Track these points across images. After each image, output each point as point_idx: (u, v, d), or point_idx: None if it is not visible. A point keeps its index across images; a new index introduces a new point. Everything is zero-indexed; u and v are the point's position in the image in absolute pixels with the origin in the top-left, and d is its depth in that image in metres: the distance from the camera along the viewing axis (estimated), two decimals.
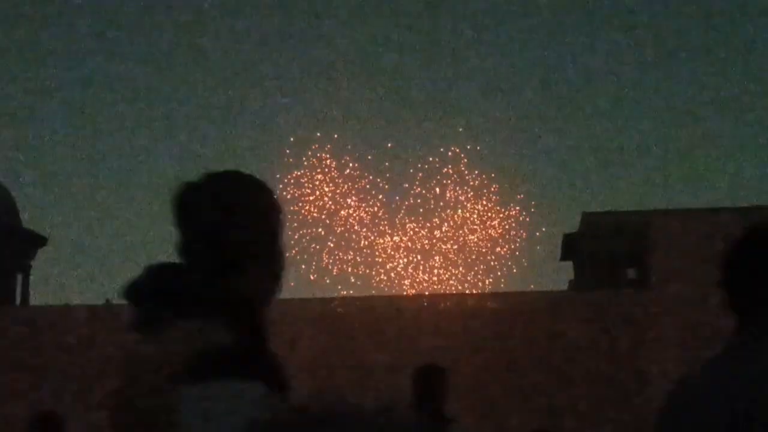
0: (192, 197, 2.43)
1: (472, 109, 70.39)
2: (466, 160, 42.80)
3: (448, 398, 6.57)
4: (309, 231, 41.38)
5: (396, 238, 41.87)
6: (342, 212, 41.90)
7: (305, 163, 41.55)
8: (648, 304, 23.44)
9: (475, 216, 42.38)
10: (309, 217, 41.64)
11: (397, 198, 44.11)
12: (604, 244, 32.96)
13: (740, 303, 2.42)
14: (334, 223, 41.71)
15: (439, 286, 39.34)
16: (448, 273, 41.95)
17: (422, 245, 42.03)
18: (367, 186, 42.46)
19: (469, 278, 42.13)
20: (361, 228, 41.98)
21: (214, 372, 2.26)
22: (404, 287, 37.96)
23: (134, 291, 2.45)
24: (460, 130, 61.15)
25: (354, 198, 42.01)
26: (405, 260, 41.85)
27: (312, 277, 42.87)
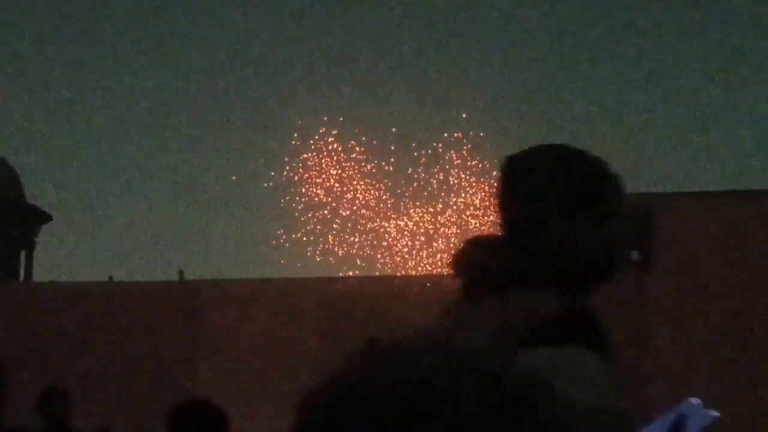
0: (526, 168, 2.45)
1: (476, 94, 70.38)
2: (469, 146, 42.93)
3: None
4: (315, 214, 41.76)
5: (401, 222, 42.21)
6: (348, 195, 42.23)
7: (312, 146, 41.83)
8: (650, 286, 23.47)
9: (478, 199, 42.61)
10: (315, 199, 41.99)
11: (403, 182, 44.20)
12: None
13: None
14: (339, 207, 42.07)
15: (443, 270, 39.38)
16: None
17: (426, 229, 42.33)
18: (373, 170, 42.75)
19: None
20: (367, 211, 42.30)
21: (553, 339, 2.30)
22: (409, 270, 38.13)
23: (463, 263, 2.52)
24: (464, 116, 61.18)
25: (360, 182, 42.33)
26: (410, 244, 42.19)
27: (318, 259, 43.11)
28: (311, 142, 42.37)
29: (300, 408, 0.85)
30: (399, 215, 43.18)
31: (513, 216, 2.45)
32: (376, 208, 42.91)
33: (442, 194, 43.44)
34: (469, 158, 42.87)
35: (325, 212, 42.28)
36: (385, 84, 69.07)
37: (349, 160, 42.49)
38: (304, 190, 42.10)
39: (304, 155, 42.26)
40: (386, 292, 24.16)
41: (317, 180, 41.91)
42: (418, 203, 43.74)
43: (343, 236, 42.12)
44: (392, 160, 44.63)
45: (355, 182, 42.56)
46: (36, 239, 38.23)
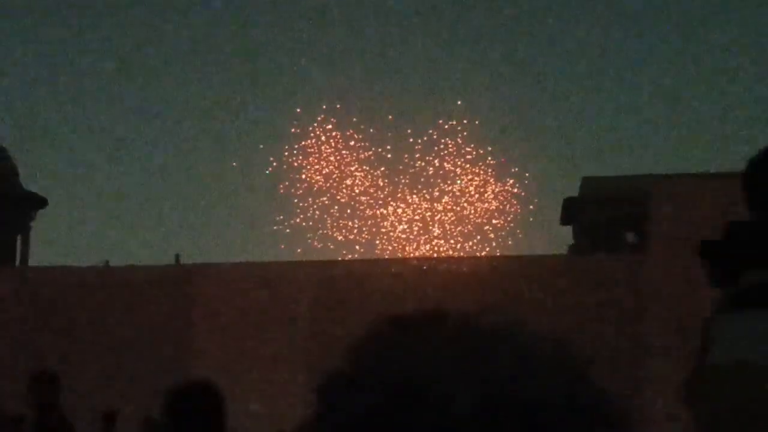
0: None
1: (470, 79, 70.34)
2: (465, 133, 43.09)
3: None
4: (315, 200, 42.11)
5: (399, 210, 42.56)
6: (347, 182, 42.62)
7: (311, 133, 42.18)
8: (648, 269, 23.48)
9: (473, 186, 42.94)
10: (315, 186, 42.37)
11: (401, 167, 44.38)
12: (604, 209, 32.98)
13: None
14: (338, 193, 42.44)
15: (440, 254, 39.67)
16: (449, 244, 42.51)
17: (423, 216, 42.68)
18: (371, 157, 43.06)
19: (468, 245, 42.64)
20: (365, 197, 42.69)
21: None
22: (407, 255, 38.32)
23: (711, 247, 2.78)
24: (459, 103, 61.15)
25: (358, 168, 42.72)
26: (407, 230, 42.58)
27: (317, 245, 43.37)
28: (310, 129, 42.69)
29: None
30: (397, 201, 43.46)
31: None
32: (375, 194, 43.19)
33: (438, 181, 43.72)
34: (464, 145, 43.08)
35: (324, 199, 42.56)
36: (383, 72, 69.07)
37: (347, 147, 42.79)
38: (303, 176, 42.44)
39: (304, 142, 42.54)
40: (382, 274, 24.17)
41: (316, 166, 42.27)
42: (415, 190, 44.03)
43: (342, 222, 42.42)
44: (389, 147, 44.78)
45: (353, 168, 42.92)
46: (32, 224, 38.20)
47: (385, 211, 42.78)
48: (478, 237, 43.19)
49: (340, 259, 25.47)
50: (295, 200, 42.75)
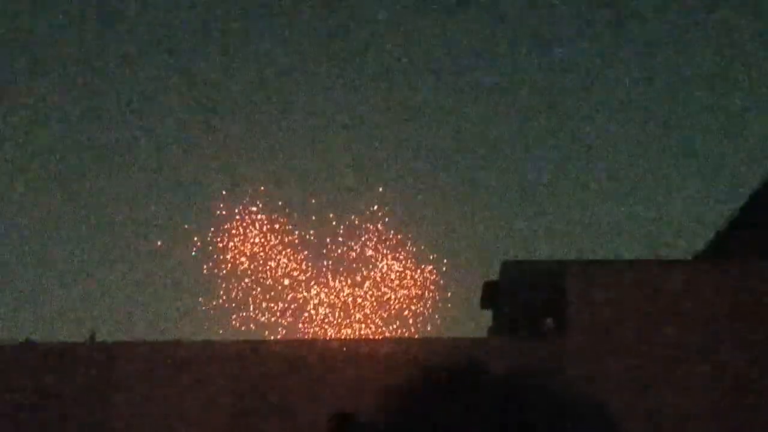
0: None
1: (391, 164, 71.21)
2: (386, 219, 44.16)
3: None
4: (239, 281, 42.70)
5: (322, 294, 43.34)
6: (271, 263, 43.37)
7: (237, 215, 42.98)
8: (565, 353, 23.87)
9: (393, 272, 43.83)
10: (239, 267, 42.99)
11: (324, 252, 45.08)
12: (522, 293, 33.46)
13: None
14: (262, 275, 43.15)
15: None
16: (370, 328, 43.10)
17: (344, 300, 43.46)
18: (296, 241, 43.88)
19: (389, 330, 43.16)
20: (289, 280, 43.37)
21: None
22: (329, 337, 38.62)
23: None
24: (380, 189, 62.32)
25: (282, 251, 43.52)
26: (330, 314, 43.31)
27: (238, 326, 43.57)
28: (236, 211, 43.38)
29: None
30: (319, 285, 44.12)
31: None
32: (298, 278, 43.80)
33: (360, 266, 44.53)
34: (384, 231, 44.05)
35: (247, 280, 43.01)
36: (307, 154, 69.63)
37: (272, 230, 43.53)
38: (228, 256, 42.92)
39: (229, 224, 43.15)
40: (307, 355, 24.24)
41: (241, 248, 42.90)
42: (337, 274, 44.73)
43: (265, 303, 42.89)
44: (311, 231, 45.51)
45: (278, 251, 43.63)
46: None
47: (307, 295, 43.44)
48: (398, 322, 43.75)
49: (261, 339, 25.50)
50: (219, 281, 43.05)
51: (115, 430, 24.35)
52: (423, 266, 44.36)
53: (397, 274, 43.48)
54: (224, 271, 42.82)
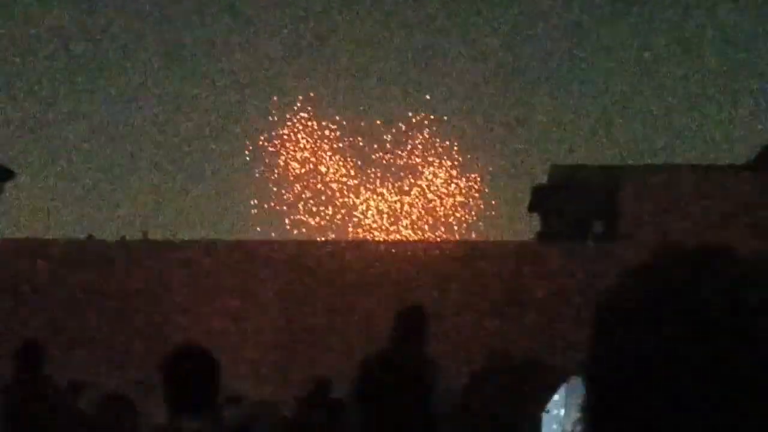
0: None
1: (440, 70, 70.54)
2: (434, 128, 44.29)
3: (429, 341, 6.55)
4: (290, 187, 43.22)
5: (371, 201, 43.82)
6: (321, 168, 43.86)
7: (288, 122, 43.39)
8: (614, 258, 23.73)
9: (440, 180, 44.05)
10: (291, 174, 43.50)
11: (373, 158, 45.28)
12: (572, 197, 33.25)
13: None
14: (312, 180, 43.71)
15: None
16: (417, 234, 43.44)
17: (392, 206, 43.90)
18: (346, 147, 44.24)
19: (435, 235, 43.40)
20: (338, 185, 43.87)
21: None
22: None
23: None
24: (427, 97, 61.92)
25: (332, 157, 43.94)
26: (378, 219, 43.79)
27: (289, 228, 44.01)
28: (287, 116, 43.82)
29: None
30: (368, 191, 44.58)
31: None
32: (347, 183, 44.21)
33: (408, 173, 44.85)
34: (432, 138, 44.21)
35: (298, 186, 43.51)
36: (357, 64, 69.30)
37: (322, 136, 43.90)
38: (280, 161, 43.43)
39: (279, 130, 43.57)
40: (354, 257, 24.32)
41: (292, 153, 43.33)
42: (385, 181, 45.12)
43: (316, 208, 43.42)
44: (360, 139, 45.83)
45: (327, 157, 44.02)
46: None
47: (356, 200, 43.87)
48: (443, 228, 43.95)
49: (311, 240, 25.61)
50: (270, 184, 43.52)
51: (168, 327, 24.71)
52: (468, 174, 44.39)
53: (443, 181, 43.55)
54: (275, 175, 43.12)
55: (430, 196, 44.58)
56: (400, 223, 44.36)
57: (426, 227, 44.30)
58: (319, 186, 44.31)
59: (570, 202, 33.15)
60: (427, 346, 6.49)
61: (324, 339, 24.27)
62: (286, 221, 43.77)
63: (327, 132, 44.45)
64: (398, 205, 44.48)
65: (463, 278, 24.02)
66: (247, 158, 51.41)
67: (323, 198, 44.38)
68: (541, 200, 35.05)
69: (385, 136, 44.86)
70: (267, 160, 43.79)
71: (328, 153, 44.55)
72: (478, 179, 45.07)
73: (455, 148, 48.71)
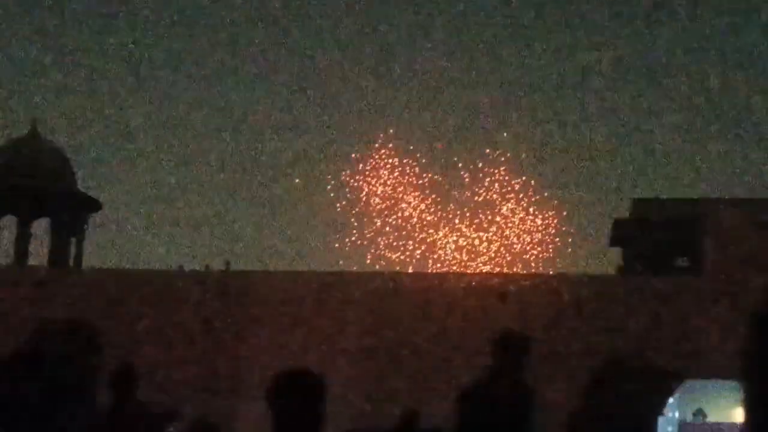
0: None
1: (516, 109, 70.67)
2: (511, 165, 44.83)
3: (529, 368, 6.44)
4: (372, 222, 44.16)
5: (450, 237, 44.44)
6: (402, 204, 44.69)
7: (370, 159, 44.44)
8: (699, 291, 23.50)
9: (516, 216, 44.41)
10: (372, 209, 44.36)
11: (453, 194, 45.83)
12: (654, 231, 32.97)
13: None
14: (393, 215, 44.57)
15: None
16: (495, 270, 43.71)
17: (471, 242, 44.43)
18: (426, 183, 44.97)
19: (515, 269, 43.55)
20: (418, 221, 44.62)
21: None
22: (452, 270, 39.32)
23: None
24: (505, 135, 62.26)
25: (412, 193, 44.73)
26: (457, 256, 44.45)
27: (370, 262, 44.63)
28: (370, 153, 44.81)
29: None
30: (447, 227, 45.20)
31: None
32: (427, 219, 44.83)
33: (486, 209, 45.29)
34: (508, 175, 44.59)
35: (377, 221, 44.31)
36: (434, 101, 69.90)
37: (403, 172, 44.68)
38: (362, 196, 44.29)
39: (363, 166, 44.50)
40: (429, 288, 24.41)
41: (374, 188, 44.19)
42: (463, 217, 45.65)
43: (397, 243, 44.18)
44: (437, 176, 46.54)
45: (408, 192, 44.81)
46: (86, 227, 38.78)
47: (436, 236, 44.53)
48: (520, 265, 44.11)
49: (396, 272, 25.77)
50: (352, 219, 44.29)
51: (250, 356, 24.98)
52: (546, 211, 44.59)
53: (520, 218, 43.97)
54: (358, 210, 43.87)
55: (507, 232, 44.94)
56: (478, 258, 44.77)
57: (504, 263, 44.61)
58: (399, 221, 45.04)
59: (652, 236, 32.88)
60: (524, 372, 6.39)
61: (413, 368, 24.33)
62: (368, 255, 44.36)
63: (407, 168, 45.21)
64: (476, 241, 44.91)
65: (544, 306, 23.96)
66: (331, 193, 52.05)
67: (404, 233, 45.04)
68: (622, 234, 34.81)
69: (463, 173, 45.28)
70: (349, 195, 44.49)
71: (409, 189, 45.24)
72: (555, 216, 45.27)
73: (532, 183, 48.91)
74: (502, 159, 44.81)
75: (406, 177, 45.02)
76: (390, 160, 44.63)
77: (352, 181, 44.34)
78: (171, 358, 25.18)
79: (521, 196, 45.03)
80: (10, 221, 37.83)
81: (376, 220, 44.53)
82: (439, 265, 44.65)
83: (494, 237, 44.99)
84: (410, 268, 44.74)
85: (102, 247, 65.24)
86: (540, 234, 44.67)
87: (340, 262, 66.05)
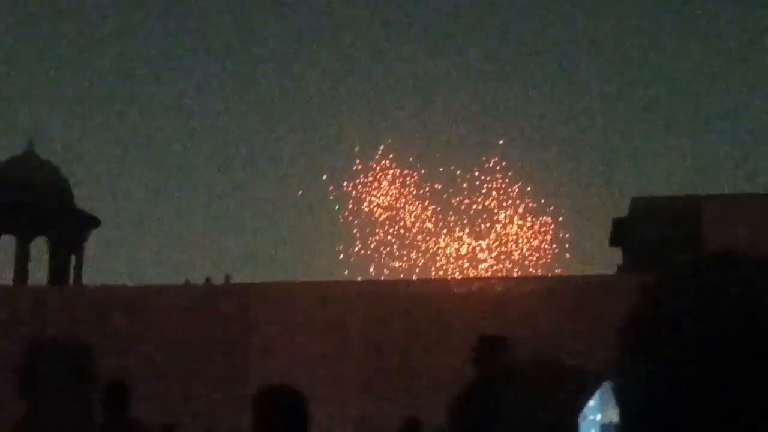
0: None
1: (513, 114, 70.83)
2: (509, 172, 45.24)
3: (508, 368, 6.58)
4: (375, 232, 44.38)
5: (451, 246, 44.79)
6: (403, 214, 45.00)
7: (371, 170, 44.79)
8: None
9: (514, 223, 44.64)
10: (375, 219, 44.63)
11: (452, 204, 46.18)
12: (653, 229, 32.91)
13: None
14: (396, 225, 44.89)
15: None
16: (500, 273, 43.85)
17: (471, 249, 44.71)
18: (425, 193, 45.24)
19: (515, 274, 43.70)
20: (419, 231, 44.88)
21: None
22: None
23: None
24: (500, 142, 62.81)
25: (413, 203, 45.04)
26: (458, 264, 44.76)
27: (374, 273, 44.76)
28: (370, 164, 45.20)
29: None
30: (448, 236, 45.50)
31: None
32: (428, 229, 45.13)
33: (485, 217, 45.65)
34: (506, 182, 44.98)
35: (379, 231, 44.59)
36: (432, 111, 70.19)
37: (404, 183, 45.02)
38: (365, 207, 44.63)
39: (365, 177, 44.87)
40: (430, 294, 24.37)
41: (375, 199, 44.54)
42: (464, 226, 46.00)
43: (399, 252, 44.48)
44: (437, 186, 46.93)
45: (409, 203, 45.13)
46: (85, 244, 38.74)
47: (437, 244, 44.85)
48: (519, 271, 44.32)
49: (387, 279, 25.75)
50: (355, 230, 44.73)
51: (252, 367, 24.92)
52: (543, 217, 44.90)
53: (518, 225, 44.27)
54: (360, 220, 44.13)
55: (505, 238, 45.33)
56: (479, 266, 45.27)
57: (504, 269, 45.05)
58: (401, 231, 45.48)
59: (652, 234, 32.82)
60: (503, 371, 6.50)
61: (412, 376, 24.29)
62: (371, 264, 44.66)
63: (408, 179, 45.69)
64: (477, 249, 45.37)
65: (547, 310, 23.91)
66: (334, 205, 52.32)
67: (406, 242, 45.44)
68: (621, 234, 34.73)
69: (461, 182, 45.64)
70: (351, 206, 44.83)
71: (410, 198, 45.69)
72: (552, 221, 45.67)
73: (528, 190, 49.34)
74: (498, 167, 45.17)
75: (407, 187, 45.41)
76: (390, 171, 45.09)
77: (354, 192, 44.71)
78: (168, 374, 25.12)
79: (518, 202, 45.38)
80: (8, 240, 37.82)
81: (379, 230, 44.92)
82: (441, 273, 44.88)
83: (494, 244, 45.37)
84: (414, 276, 45.04)
85: (102, 264, 65.19)
86: (538, 239, 45.01)
87: (345, 272, 66.21)
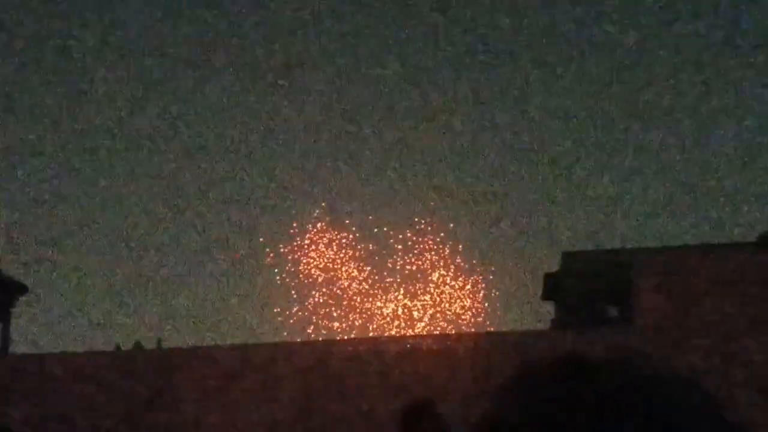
0: None
1: (442, 171, 71.83)
2: (441, 233, 46.07)
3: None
4: (312, 293, 44.83)
5: (388, 306, 45.42)
6: (340, 275, 45.61)
7: (308, 232, 45.39)
8: (630, 340, 23.64)
9: (446, 283, 45.54)
10: (312, 280, 45.16)
11: (387, 264, 46.82)
12: (584, 283, 33.25)
13: None
14: (332, 286, 45.44)
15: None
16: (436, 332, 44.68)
17: (407, 309, 45.44)
18: (361, 255, 45.92)
19: (449, 329, 44.39)
20: (356, 292, 45.51)
21: None
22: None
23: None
24: (432, 204, 63.80)
25: (350, 264, 45.71)
26: (396, 324, 45.38)
27: (313, 336, 45.03)
28: (307, 226, 45.84)
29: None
30: (384, 296, 46.11)
31: None
32: (365, 290, 45.71)
33: (419, 276, 46.40)
34: (436, 244, 45.85)
35: (315, 293, 44.98)
36: (364, 173, 70.93)
37: (340, 245, 45.62)
38: (302, 269, 45.17)
39: (301, 240, 45.40)
40: (371, 353, 24.28)
41: (313, 260, 45.11)
42: (399, 286, 46.58)
43: (337, 313, 44.96)
44: (371, 246, 47.45)
45: (345, 264, 45.71)
46: (12, 311, 38.05)
47: (374, 305, 45.46)
48: (453, 330, 45.02)
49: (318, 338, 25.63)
50: (292, 292, 44.99)
51: (185, 415, 24.57)
52: (475, 276, 45.83)
53: (450, 285, 45.31)
54: (297, 282, 44.57)
55: (438, 298, 46.33)
56: (415, 325, 45.99)
57: (438, 328, 45.81)
58: (338, 291, 46.03)
59: (583, 288, 33.15)
60: None
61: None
62: (310, 326, 44.89)
63: (344, 240, 46.31)
64: (413, 309, 46.22)
65: (476, 367, 23.94)
66: (272, 268, 52.39)
67: (343, 303, 45.91)
68: (553, 288, 35.05)
69: (394, 243, 46.38)
70: (288, 268, 45.18)
71: (346, 260, 46.34)
72: (483, 279, 46.73)
73: (460, 249, 50.19)
74: (429, 229, 45.99)
75: (343, 249, 46.03)
76: (326, 235, 45.74)
77: (291, 254, 45.13)
78: None
79: (449, 262, 46.28)
80: None
81: (315, 292, 45.41)
82: (378, 333, 45.32)
83: (428, 303, 46.31)
84: (351, 336, 45.33)
85: (31, 331, 64.08)
86: (470, 298, 45.97)
87: (285, 334, 66.16)
